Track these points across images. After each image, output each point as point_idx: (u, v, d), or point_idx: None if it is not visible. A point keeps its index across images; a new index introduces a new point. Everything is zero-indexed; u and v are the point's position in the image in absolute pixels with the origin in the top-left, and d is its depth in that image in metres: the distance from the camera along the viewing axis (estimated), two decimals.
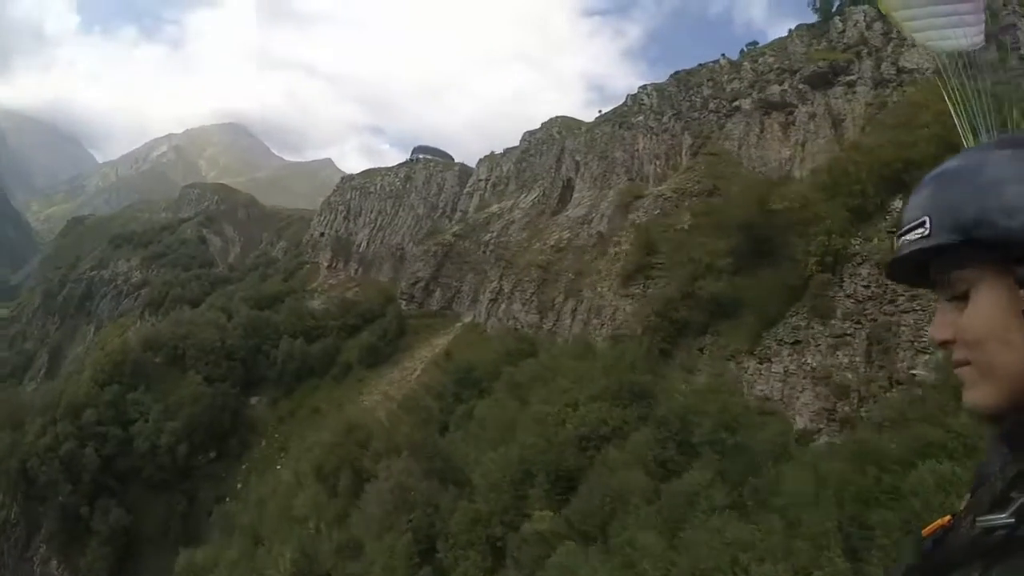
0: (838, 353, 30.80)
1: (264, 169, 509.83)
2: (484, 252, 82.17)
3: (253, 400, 74.68)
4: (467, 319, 76.79)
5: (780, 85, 61.94)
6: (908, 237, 1.35)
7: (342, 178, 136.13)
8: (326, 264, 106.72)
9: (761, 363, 33.42)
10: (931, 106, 31.27)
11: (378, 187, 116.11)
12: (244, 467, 66.28)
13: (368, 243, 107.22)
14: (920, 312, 27.78)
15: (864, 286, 31.65)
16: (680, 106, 71.83)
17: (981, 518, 1.17)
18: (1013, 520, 1.11)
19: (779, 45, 67.62)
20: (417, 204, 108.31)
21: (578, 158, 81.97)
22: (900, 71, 52.57)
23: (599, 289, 55.89)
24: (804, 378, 31.18)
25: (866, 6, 57.94)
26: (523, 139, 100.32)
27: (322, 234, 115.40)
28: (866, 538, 16.36)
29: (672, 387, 30.80)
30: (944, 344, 1.36)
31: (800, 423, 29.53)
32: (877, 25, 55.53)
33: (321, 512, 34.94)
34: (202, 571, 42.39)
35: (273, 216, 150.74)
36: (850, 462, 20.46)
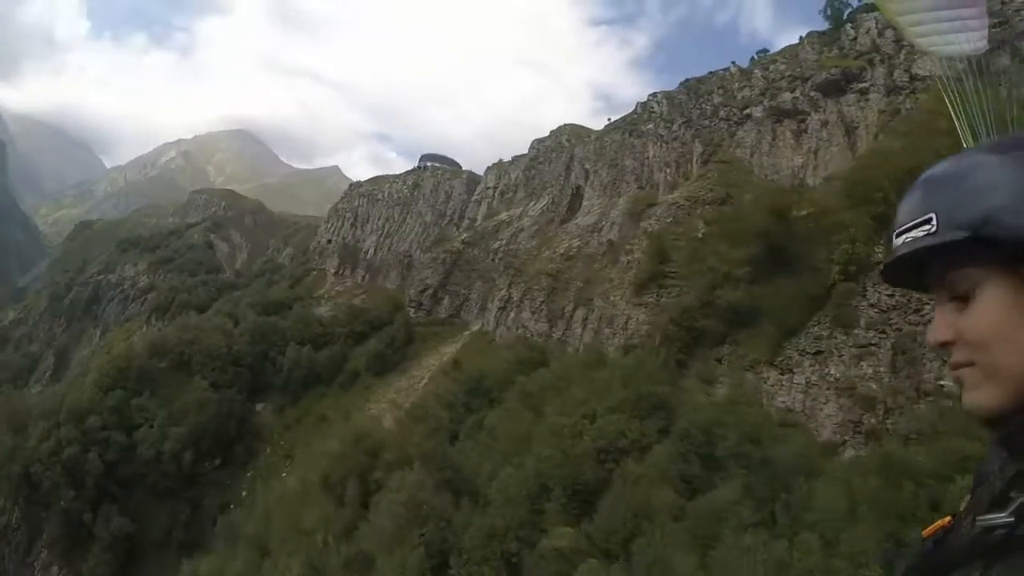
0: (862, 363, 29.99)
1: (272, 176, 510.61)
2: (493, 260, 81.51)
3: (259, 407, 73.95)
4: (475, 327, 76.09)
5: (792, 92, 61.28)
6: (912, 234, 1.32)
7: (350, 185, 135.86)
8: (333, 271, 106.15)
9: (782, 374, 32.61)
10: (948, 113, 30.41)
11: (386, 194, 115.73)
12: (249, 475, 65.46)
13: (375, 250, 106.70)
14: None
15: (888, 295, 30.85)
16: (690, 114, 71.29)
17: (981, 517, 1.17)
18: (1012, 519, 1.11)
19: (790, 52, 67.07)
20: (425, 211, 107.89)
21: (587, 166, 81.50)
22: (913, 78, 51.84)
23: (611, 298, 55.13)
24: (827, 389, 30.37)
25: (878, 13, 57.31)
26: (532, 147, 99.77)
27: (329, 241, 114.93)
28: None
29: (692, 399, 29.99)
30: (944, 345, 1.33)
31: (823, 435, 28.71)
32: (889, 32, 54.78)
33: (329, 525, 34.08)
34: None
35: (280, 222, 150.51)
36: (883, 476, 19.67)
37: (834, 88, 57.45)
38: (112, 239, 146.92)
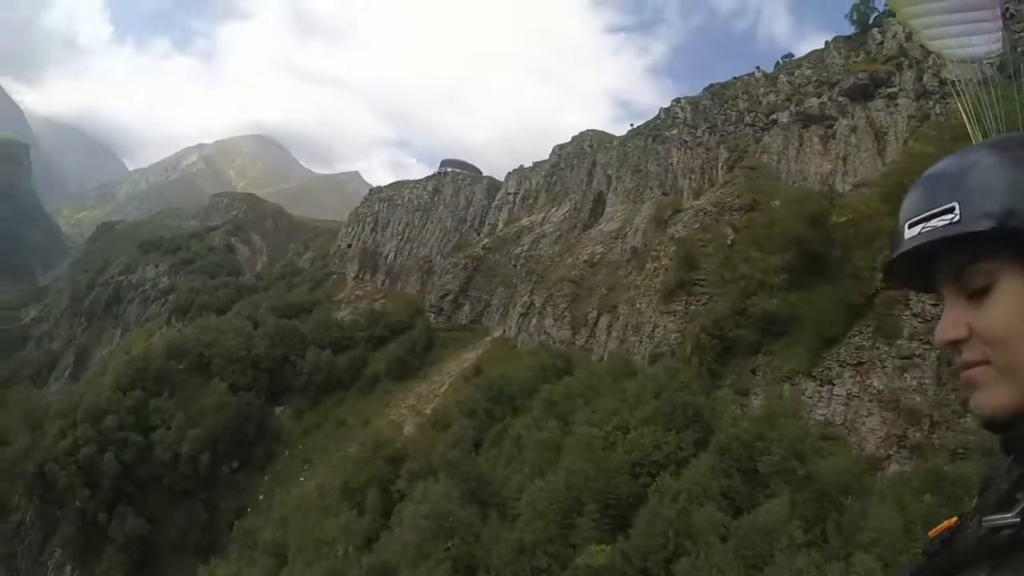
0: (906, 375, 28.76)
1: (292, 181, 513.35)
2: (515, 266, 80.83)
3: (278, 410, 73.45)
4: (496, 333, 75.40)
5: (819, 98, 60.58)
6: (931, 224, 1.27)
7: (370, 190, 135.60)
8: (353, 275, 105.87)
9: (821, 385, 31.46)
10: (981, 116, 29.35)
11: (406, 199, 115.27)
12: (267, 478, 64.86)
13: (395, 255, 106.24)
14: None
15: (932, 304, 29.53)
16: (715, 119, 70.73)
17: (987, 518, 1.16)
18: (1019, 520, 1.11)
19: (816, 57, 66.28)
20: (445, 217, 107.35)
21: (610, 172, 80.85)
22: (943, 83, 50.59)
23: (637, 305, 54.10)
24: (869, 402, 29.21)
25: None
26: (553, 152, 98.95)
27: (349, 245, 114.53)
28: None
29: (728, 411, 28.87)
30: (954, 343, 1.29)
31: (866, 450, 27.54)
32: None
33: (350, 535, 33.19)
34: None
35: (300, 227, 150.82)
36: (937, 493, 18.59)
37: (862, 93, 56.67)
38: (133, 240, 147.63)
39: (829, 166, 57.00)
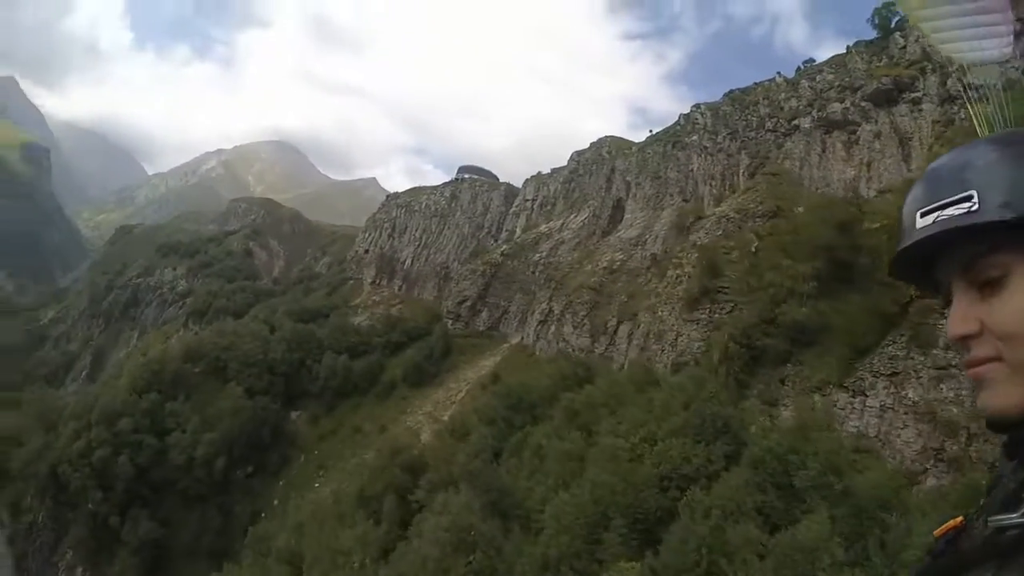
0: (942, 386, 27.64)
1: (310, 186, 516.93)
2: (533, 272, 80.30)
3: (294, 415, 73.09)
4: (514, 340, 74.84)
5: (841, 103, 59.78)
6: (947, 212, 1.24)
7: (388, 196, 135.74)
8: (370, 281, 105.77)
9: (853, 396, 30.40)
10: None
11: (423, 205, 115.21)
12: (282, 483, 64.36)
13: (412, 261, 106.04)
14: None
15: None
16: (735, 125, 70.11)
17: (993, 518, 1.16)
18: None
19: (837, 62, 65.51)
20: (462, 223, 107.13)
21: (629, 178, 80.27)
22: (968, 87, 49.63)
23: (659, 313, 53.26)
24: (904, 413, 28.06)
25: None
26: (571, 159, 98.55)
27: (367, 251, 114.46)
28: None
29: (757, 422, 28.00)
30: (965, 339, 1.27)
31: (901, 463, 26.56)
32: None
33: (366, 546, 32.48)
34: None
35: (318, 232, 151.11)
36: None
37: (885, 98, 55.84)
38: (152, 244, 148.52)
39: (853, 172, 56.14)
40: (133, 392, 66.81)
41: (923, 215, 1.25)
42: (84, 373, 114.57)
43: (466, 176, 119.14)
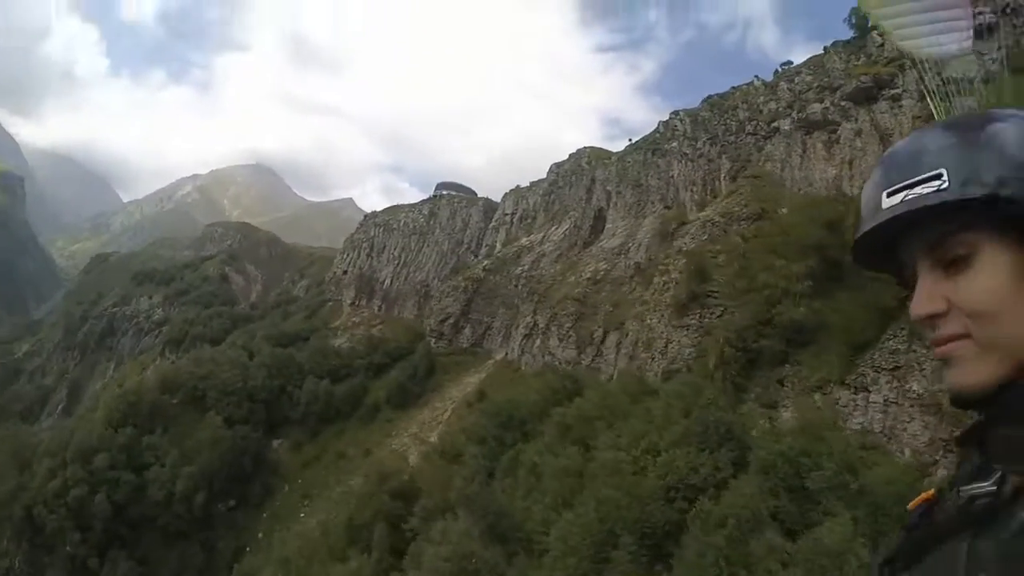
0: None
1: (286, 209, 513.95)
2: (515, 286, 79.18)
3: (276, 443, 70.95)
4: (499, 356, 73.49)
5: (821, 103, 59.79)
6: (916, 191, 1.24)
7: (365, 215, 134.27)
8: (349, 302, 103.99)
9: (856, 393, 29.79)
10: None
11: (401, 224, 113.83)
12: (265, 515, 62.21)
13: (392, 280, 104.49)
14: None
15: None
16: (715, 130, 69.89)
17: (964, 488, 1.20)
18: (995, 487, 1.15)
19: (815, 63, 65.68)
20: (442, 240, 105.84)
21: (609, 188, 79.68)
22: (946, 81, 49.46)
23: (647, 321, 52.35)
24: (910, 407, 27.54)
25: None
26: (550, 171, 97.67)
27: (345, 272, 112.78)
28: None
29: (757, 425, 26.99)
30: (932, 318, 1.26)
31: (909, 456, 25.73)
32: None
33: None
34: None
35: (295, 254, 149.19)
36: None
37: (865, 96, 55.89)
38: (127, 272, 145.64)
39: (835, 171, 56.05)
40: (109, 426, 64.35)
41: (890, 195, 1.26)
42: (60, 407, 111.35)
43: (444, 192, 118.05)
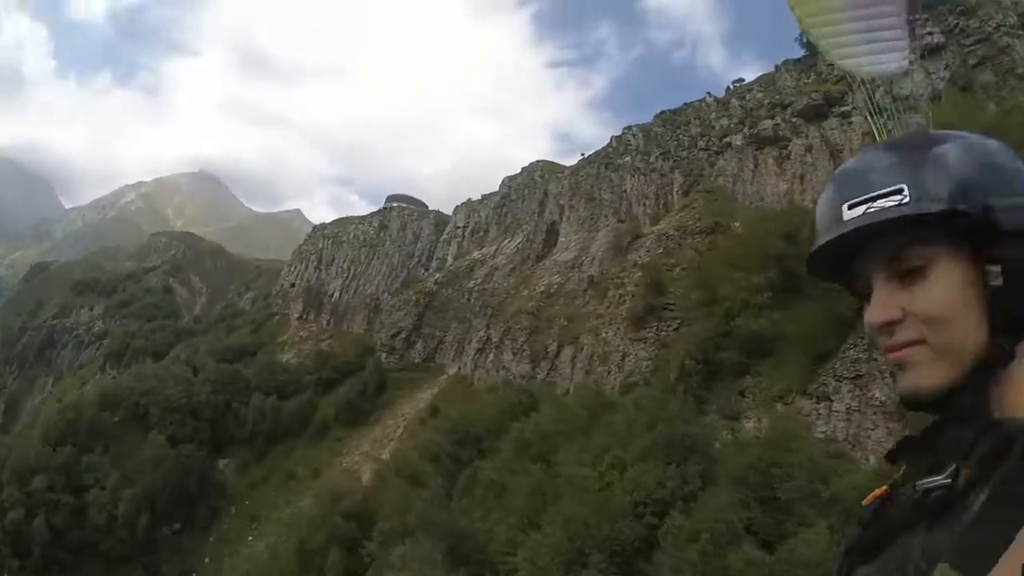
0: None
1: (233, 219, 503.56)
2: (468, 300, 78.39)
3: (221, 463, 68.54)
4: (452, 371, 72.58)
5: (772, 120, 61.23)
6: (879, 204, 1.29)
7: (314, 227, 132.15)
8: (297, 315, 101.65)
9: (818, 402, 30.23)
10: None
11: (351, 236, 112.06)
12: (212, 539, 59.95)
13: (341, 293, 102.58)
14: None
15: None
16: (668, 145, 70.92)
17: (919, 482, 1.21)
18: (950, 480, 1.16)
19: (767, 81, 67.38)
20: (392, 253, 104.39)
21: (562, 201, 79.71)
22: (895, 99, 50.70)
23: (603, 334, 52.26)
24: (873, 414, 28.06)
25: None
26: (503, 184, 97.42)
27: (292, 284, 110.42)
28: None
29: (720, 437, 26.80)
30: (888, 325, 1.31)
31: (874, 463, 25.92)
32: None
33: None
34: None
35: (241, 266, 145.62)
36: None
37: (815, 113, 57.46)
38: (68, 281, 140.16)
39: (786, 186, 57.31)
40: (47, 444, 61.43)
41: (851, 207, 1.29)
42: None
43: (395, 205, 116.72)
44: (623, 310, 51.22)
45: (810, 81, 59.92)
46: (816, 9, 5.03)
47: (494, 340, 66.48)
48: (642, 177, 70.95)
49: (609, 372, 48.66)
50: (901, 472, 1.35)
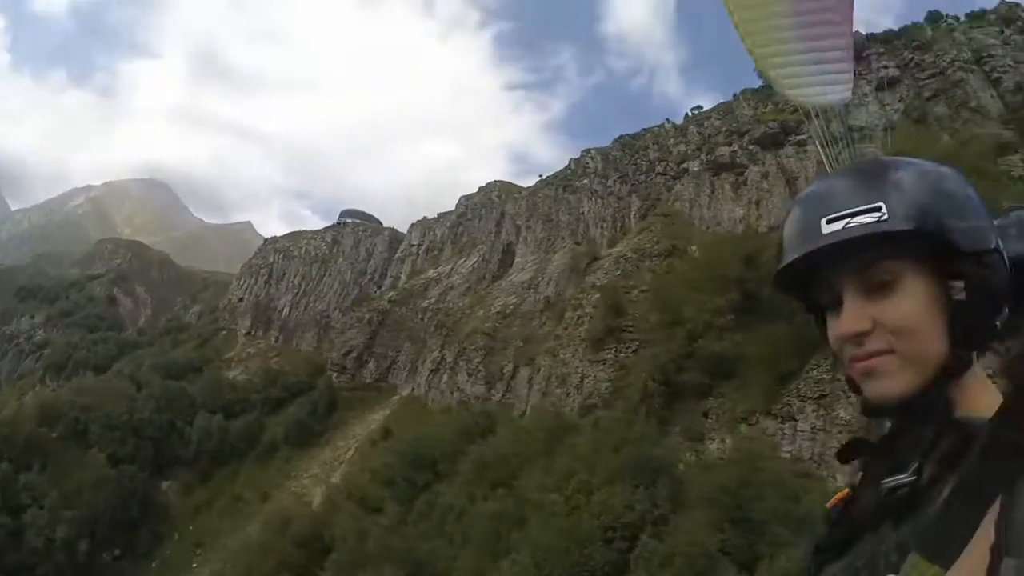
0: None
1: (182, 228, 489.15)
2: (422, 319, 77.34)
3: (165, 485, 65.68)
4: (405, 392, 71.33)
5: (729, 147, 62.94)
6: (859, 220, 1.33)
7: (265, 240, 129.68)
8: (245, 331, 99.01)
9: (783, 422, 30.52)
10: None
11: (303, 251, 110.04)
12: (154, 565, 57.36)
13: (291, 309, 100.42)
14: None
15: None
16: (626, 169, 72.09)
17: (884, 481, 1.25)
18: (914, 477, 1.21)
19: (724, 109, 69.10)
20: (344, 269, 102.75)
21: (519, 222, 79.78)
22: (851, 128, 52.02)
23: (560, 356, 51.92)
24: (838, 433, 28.25)
25: None
26: (459, 203, 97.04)
27: (241, 299, 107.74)
28: None
29: (685, 458, 26.53)
30: (858, 336, 1.35)
31: (841, 481, 26.00)
32: None
33: None
34: None
35: (188, 278, 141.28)
36: None
37: (772, 141, 59.08)
38: (10, 286, 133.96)
39: (742, 211, 58.47)
40: None
41: (830, 221, 1.34)
42: None
43: (348, 220, 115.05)
44: (581, 331, 51.03)
45: (767, 110, 61.25)
46: (766, 40, 4.93)
47: (448, 360, 65.63)
48: (600, 200, 71.53)
49: (568, 394, 48.25)
50: (860, 476, 1.39)
